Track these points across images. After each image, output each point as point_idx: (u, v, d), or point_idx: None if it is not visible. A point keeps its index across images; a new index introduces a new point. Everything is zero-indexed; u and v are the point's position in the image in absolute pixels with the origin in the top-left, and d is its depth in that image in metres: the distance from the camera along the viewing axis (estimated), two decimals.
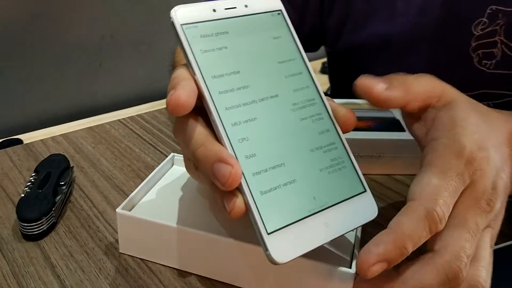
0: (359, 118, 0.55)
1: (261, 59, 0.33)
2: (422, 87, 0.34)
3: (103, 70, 0.95)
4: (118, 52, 0.96)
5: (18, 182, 0.49)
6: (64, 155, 0.49)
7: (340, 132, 0.33)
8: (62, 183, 0.45)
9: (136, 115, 0.65)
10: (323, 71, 1.08)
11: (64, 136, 0.58)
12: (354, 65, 0.67)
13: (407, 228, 0.28)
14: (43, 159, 0.49)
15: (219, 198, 0.29)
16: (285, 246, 0.28)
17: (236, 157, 0.29)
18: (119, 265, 0.39)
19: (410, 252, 0.28)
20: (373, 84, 0.33)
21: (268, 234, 0.28)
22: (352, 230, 0.32)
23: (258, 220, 0.28)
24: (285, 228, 0.29)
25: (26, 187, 0.44)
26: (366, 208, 0.31)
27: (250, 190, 0.28)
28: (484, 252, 0.30)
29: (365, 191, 0.32)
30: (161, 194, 0.42)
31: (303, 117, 0.32)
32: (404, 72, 0.60)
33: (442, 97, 0.34)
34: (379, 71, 0.62)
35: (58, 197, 0.43)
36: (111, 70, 0.96)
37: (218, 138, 0.30)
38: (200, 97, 0.30)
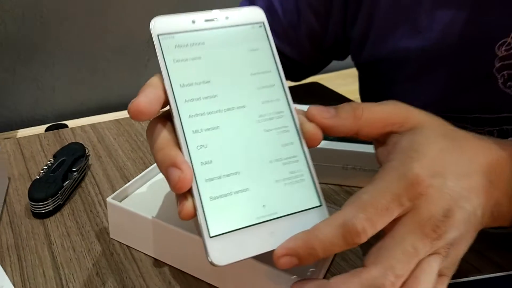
0: None
1: (233, 70, 0.34)
2: (377, 113, 0.34)
3: (150, 64, 1.01)
4: None
5: (41, 165, 0.54)
6: (82, 144, 0.54)
7: (305, 146, 0.34)
8: (74, 169, 0.50)
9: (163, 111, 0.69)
10: None
11: (91, 126, 0.64)
12: (377, 78, 0.66)
13: (321, 233, 0.29)
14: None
15: (176, 199, 0.32)
16: (226, 250, 0.30)
17: (192, 163, 0.31)
18: (106, 249, 0.43)
19: (321, 255, 0.29)
20: (320, 112, 0.34)
21: (210, 237, 0.30)
22: None
23: (202, 224, 0.30)
24: (228, 234, 0.30)
25: (42, 170, 0.49)
26: (318, 221, 0.32)
27: (200, 195, 0.30)
28: (426, 276, 0.30)
29: (321, 205, 0.33)
30: (152, 189, 0.45)
31: (267, 129, 0.34)
32: (425, 89, 0.59)
33: (406, 123, 0.34)
34: (400, 86, 0.62)
35: (66, 182, 0.48)
36: (158, 65, 1.01)
37: (179, 144, 0.32)
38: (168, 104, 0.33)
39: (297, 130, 0.34)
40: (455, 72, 0.57)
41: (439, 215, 0.30)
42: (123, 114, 0.86)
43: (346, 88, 1.00)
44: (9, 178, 0.52)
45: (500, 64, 0.54)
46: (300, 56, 0.66)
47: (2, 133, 0.89)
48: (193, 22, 0.34)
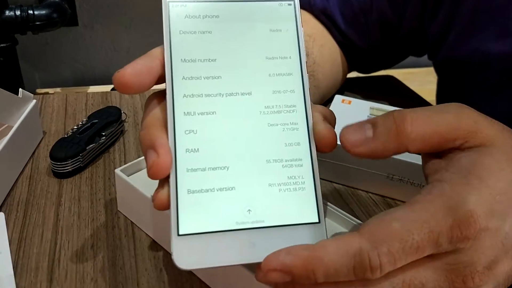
0: None
1: (246, 51, 0.30)
2: (432, 127, 0.26)
3: None
4: None
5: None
6: (119, 109, 0.53)
7: (314, 150, 0.29)
8: (103, 133, 0.49)
9: None
10: None
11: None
12: (454, 81, 0.58)
13: (328, 255, 0.23)
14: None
15: None
16: (194, 253, 0.26)
17: (176, 149, 0.28)
18: (110, 221, 0.41)
19: (320, 281, 0.23)
20: (348, 136, 0.27)
21: (179, 235, 0.26)
22: None
23: (173, 218, 0.27)
24: (200, 235, 0.26)
25: (71, 129, 0.49)
26: (313, 240, 0.27)
27: (176, 185, 0.27)
28: None
29: (319, 222, 0.28)
30: None
31: (272, 123, 0.29)
32: (504, 101, 0.50)
33: (472, 139, 0.26)
34: (478, 94, 0.54)
35: (90, 145, 0.47)
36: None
37: (166, 125, 0.29)
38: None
39: (308, 129, 0.29)
40: None
41: (480, 266, 0.24)
42: None
43: (435, 86, 0.90)
44: (45, 133, 0.52)
45: None
46: (368, 45, 0.60)
47: (73, 87, 0.92)
48: None
